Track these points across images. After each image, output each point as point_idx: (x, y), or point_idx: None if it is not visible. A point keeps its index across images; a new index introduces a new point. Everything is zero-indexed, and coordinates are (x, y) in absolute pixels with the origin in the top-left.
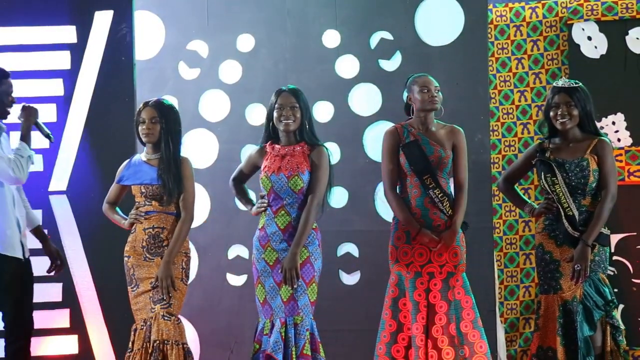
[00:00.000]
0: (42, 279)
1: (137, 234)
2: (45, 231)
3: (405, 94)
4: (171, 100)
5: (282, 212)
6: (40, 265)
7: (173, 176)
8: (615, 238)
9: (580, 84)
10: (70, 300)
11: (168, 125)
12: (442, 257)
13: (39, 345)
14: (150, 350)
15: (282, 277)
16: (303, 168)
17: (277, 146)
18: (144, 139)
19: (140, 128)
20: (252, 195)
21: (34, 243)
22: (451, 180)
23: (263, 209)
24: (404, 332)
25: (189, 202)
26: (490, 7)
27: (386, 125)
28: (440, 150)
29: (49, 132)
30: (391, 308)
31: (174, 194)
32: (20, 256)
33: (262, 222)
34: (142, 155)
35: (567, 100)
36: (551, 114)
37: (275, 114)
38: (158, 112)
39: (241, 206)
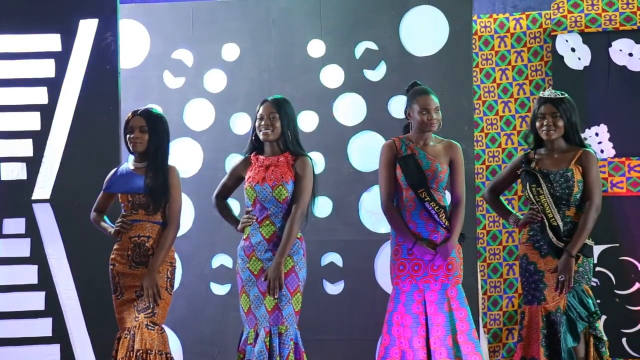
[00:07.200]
0: (25, 288)
1: (123, 242)
2: (29, 240)
3: (405, 108)
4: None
5: (267, 222)
6: (22, 274)
7: (160, 185)
8: (598, 249)
9: (567, 95)
10: (52, 309)
11: (156, 134)
12: (438, 269)
13: (21, 355)
14: None
15: (266, 287)
16: (287, 178)
17: (261, 157)
18: (132, 148)
19: (128, 137)
20: (236, 204)
21: (14, 251)
22: (447, 194)
23: (249, 224)
24: (396, 346)
25: (175, 212)
26: (475, 17)
27: (371, 135)
28: (437, 165)
29: None
30: (387, 322)
31: (161, 203)
32: None
33: (246, 231)
34: (129, 163)
35: (552, 111)
36: (537, 124)
37: (256, 124)
38: (147, 121)
39: None
